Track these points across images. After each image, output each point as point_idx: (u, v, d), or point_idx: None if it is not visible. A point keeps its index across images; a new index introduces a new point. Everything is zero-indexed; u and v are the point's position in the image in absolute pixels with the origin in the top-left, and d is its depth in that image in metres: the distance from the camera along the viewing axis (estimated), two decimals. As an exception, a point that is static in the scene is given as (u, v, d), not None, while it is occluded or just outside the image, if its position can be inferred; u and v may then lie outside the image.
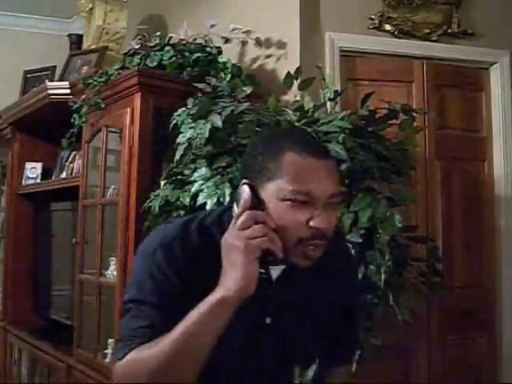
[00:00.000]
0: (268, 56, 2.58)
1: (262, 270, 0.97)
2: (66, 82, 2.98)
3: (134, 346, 0.98)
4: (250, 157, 1.09)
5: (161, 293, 1.02)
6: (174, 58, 2.40)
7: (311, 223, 1.00)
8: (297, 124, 1.97)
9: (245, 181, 1.03)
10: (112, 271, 2.51)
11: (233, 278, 0.94)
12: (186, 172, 2.05)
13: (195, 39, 2.56)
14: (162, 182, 2.15)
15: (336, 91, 2.14)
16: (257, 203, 1.00)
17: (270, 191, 1.01)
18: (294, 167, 1.01)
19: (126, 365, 0.99)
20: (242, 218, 0.97)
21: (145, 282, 1.04)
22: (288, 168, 1.01)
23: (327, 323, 1.22)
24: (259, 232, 0.96)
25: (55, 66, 3.69)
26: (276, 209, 1.00)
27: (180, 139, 2.03)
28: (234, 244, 0.95)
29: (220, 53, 2.52)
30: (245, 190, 1.00)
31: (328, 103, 2.11)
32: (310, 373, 1.20)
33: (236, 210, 1.04)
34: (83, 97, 2.62)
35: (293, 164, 1.01)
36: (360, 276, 1.74)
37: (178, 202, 1.98)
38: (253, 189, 1.01)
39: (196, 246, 1.06)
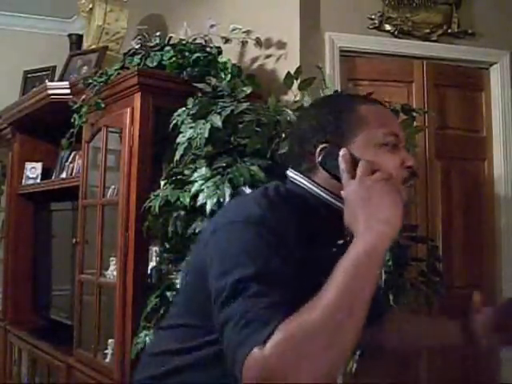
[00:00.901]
0: (268, 56, 2.58)
1: None
2: (66, 82, 2.98)
3: (274, 325, 0.78)
4: (312, 124, 1.07)
5: (283, 261, 0.90)
6: (174, 58, 2.40)
7: (407, 163, 1.03)
8: (297, 124, 1.97)
9: (323, 145, 1.02)
10: (112, 271, 2.51)
11: (382, 220, 0.89)
12: (186, 172, 2.05)
13: (195, 39, 2.56)
14: (162, 182, 2.15)
15: (336, 91, 2.15)
16: (354, 161, 0.98)
17: (361, 143, 1.02)
18: (375, 114, 1.05)
19: (283, 342, 0.77)
20: (361, 167, 0.95)
21: (261, 252, 0.89)
22: (370, 116, 1.04)
23: None
24: (385, 175, 0.95)
25: (55, 66, 3.69)
26: (374, 158, 1.00)
27: (180, 139, 2.03)
28: (374, 187, 0.92)
29: (220, 53, 2.52)
30: (342, 152, 0.98)
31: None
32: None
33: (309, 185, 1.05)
34: (83, 97, 2.62)
35: (372, 112, 1.05)
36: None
37: (178, 202, 1.98)
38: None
39: (293, 208, 1.00)
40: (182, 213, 1.98)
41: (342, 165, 0.97)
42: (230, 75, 2.37)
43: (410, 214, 2.49)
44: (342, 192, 0.96)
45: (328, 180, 1.03)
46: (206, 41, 2.56)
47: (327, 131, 1.04)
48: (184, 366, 1.02)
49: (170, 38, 2.58)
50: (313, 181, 1.06)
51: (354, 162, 0.96)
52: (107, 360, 2.47)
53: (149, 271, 2.25)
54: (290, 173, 1.10)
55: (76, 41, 3.83)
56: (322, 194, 1.05)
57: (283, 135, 1.97)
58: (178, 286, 1.94)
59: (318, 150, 1.03)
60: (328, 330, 0.78)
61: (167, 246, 2.15)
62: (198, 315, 1.01)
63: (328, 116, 1.05)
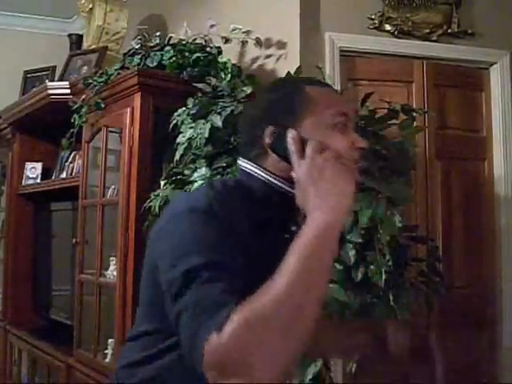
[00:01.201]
0: (268, 56, 2.58)
1: None
2: (66, 82, 2.98)
3: (229, 309, 0.77)
4: (260, 108, 1.06)
5: (231, 249, 0.88)
6: (174, 58, 2.40)
7: (358, 144, 1.02)
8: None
9: (272, 129, 1.00)
10: (112, 271, 2.51)
11: (333, 200, 0.87)
12: (186, 172, 2.05)
13: (195, 39, 2.56)
14: (162, 182, 2.15)
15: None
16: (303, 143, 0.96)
17: (310, 125, 1.00)
18: (322, 95, 1.04)
19: (239, 326, 0.75)
20: (310, 147, 0.92)
21: (209, 240, 0.88)
22: (317, 97, 1.02)
23: None
24: (335, 153, 0.92)
25: (55, 66, 3.69)
26: (324, 139, 0.97)
27: (180, 139, 2.03)
28: (325, 164, 0.90)
29: (220, 53, 2.52)
30: (291, 133, 0.96)
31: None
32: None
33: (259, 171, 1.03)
34: (83, 97, 2.62)
35: (319, 93, 1.04)
36: (360, 276, 1.74)
37: (178, 202, 1.98)
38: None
39: (241, 196, 0.99)
40: (182, 213, 1.98)
41: (292, 146, 0.95)
42: (230, 75, 2.37)
43: (410, 214, 2.49)
44: (292, 173, 0.94)
45: (277, 165, 1.01)
46: (205, 41, 2.57)
47: (275, 115, 1.02)
48: (147, 379, 0.99)
49: (170, 37, 2.58)
50: (263, 167, 1.04)
51: (303, 144, 0.94)
52: (107, 360, 2.47)
53: (149, 271, 2.24)
54: (239, 161, 1.09)
55: (76, 41, 3.83)
56: (270, 179, 1.03)
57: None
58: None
59: (267, 133, 1.01)
60: (283, 313, 0.76)
61: (167, 246, 2.15)
62: (155, 317, 0.98)
63: (275, 99, 1.04)
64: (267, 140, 1.01)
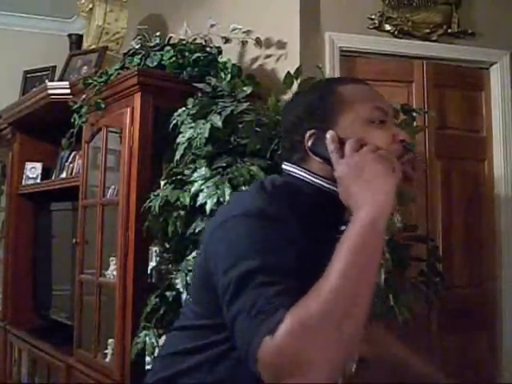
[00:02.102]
0: (268, 56, 2.58)
1: None
2: (66, 82, 2.98)
3: (283, 312, 0.77)
4: (298, 113, 1.07)
5: (285, 250, 0.89)
6: (174, 58, 2.40)
7: (399, 137, 1.01)
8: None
9: (311, 132, 1.01)
10: (112, 271, 2.51)
11: (377, 191, 0.88)
12: (186, 172, 2.05)
13: (195, 39, 2.56)
14: (162, 182, 2.15)
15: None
16: (342, 143, 0.97)
17: (346, 123, 1.01)
18: (356, 92, 1.05)
19: (293, 328, 0.76)
20: (347, 145, 0.94)
21: (263, 243, 0.89)
22: (351, 95, 1.03)
23: None
24: (373, 147, 0.93)
25: (55, 66, 3.69)
26: (363, 136, 0.98)
27: (180, 139, 2.03)
28: (364, 161, 0.91)
29: (220, 53, 2.52)
30: (329, 134, 0.97)
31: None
32: None
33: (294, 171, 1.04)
34: (83, 97, 2.62)
35: (353, 90, 1.05)
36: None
37: (178, 202, 1.98)
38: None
39: (291, 198, 0.99)
40: (182, 213, 1.98)
41: (331, 146, 0.97)
42: (230, 75, 2.37)
43: (410, 214, 2.49)
44: (334, 173, 0.96)
45: (321, 166, 1.02)
46: (205, 41, 2.56)
47: (312, 118, 1.04)
48: (194, 365, 1.01)
49: (170, 37, 2.58)
50: (307, 169, 1.05)
51: (342, 143, 0.96)
52: (107, 360, 2.47)
53: (149, 271, 2.25)
54: (284, 166, 1.10)
55: (76, 41, 3.83)
56: (317, 180, 1.04)
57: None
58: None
59: (307, 137, 1.03)
60: (336, 310, 0.77)
61: (167, 246, 2.15)
62: (206, 315, 1.01)
63: (311, 102, 1.06)
64: (307, 144, 1.03)
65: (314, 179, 1.04)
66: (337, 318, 0.77)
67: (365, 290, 0.81)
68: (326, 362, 0.76)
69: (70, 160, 3.24)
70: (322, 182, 1.04)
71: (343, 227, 0.98)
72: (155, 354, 1.98)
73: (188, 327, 1.07)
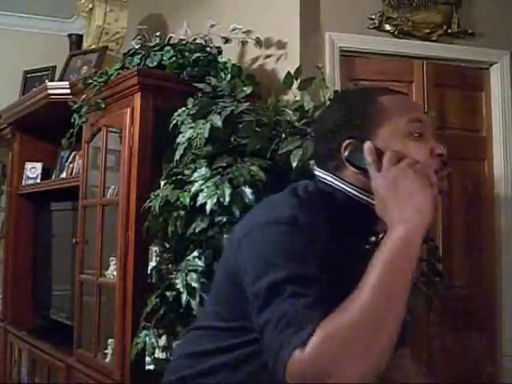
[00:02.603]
0: (268, 56, 2.58)
1: None
2: (66, 82, 2.99)
3: (313, 325, 0.78)
4: (335, 121, 1.05)
5: (316, 261, 0.88)
6: (174, 58, 2.40)
7: (437, 151, 1.01)
8: (297, 124, 1.97)
9: (349, 141, 1.00)
10: (112, 271, 2.51)
11: (413, 208, 0.87)
12: (186, 172, 2.04)
13: (195, 39, 2.56)
14: (162, 182, 2.15)
15: (336, 91, 2.14)
16: (380, 154, 0.96)
17: (385, 135, 1.00)
18: (396, 103, 1.04)
19: (323, 342, 0.76)
20: (386, 158, 0.93)
21: (295, 253, 0.89)
22: (391, 106, 1.02)
23: None
24: (412, 161, 0.92)
25: (55, 66, 3.69)
26: (401, 148, 0.97)
27: (180, 139, 2.03)
28: (401, 175, 0.90)
29: (220, 53, 2.52)
30: (367, 145, 0.96)
31: (328, 103, 2.10)
32: None
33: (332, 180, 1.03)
34: (83, 97, 2.62)
35: (393, 101, 1.04)
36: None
37: (178, 202, 1.98)
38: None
39: (323, 206, 0.99)
40: (182, 213, 1.98)
41: (368, 158, 0.95)
42: (229, 75, 2.37)
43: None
44: (371, 184, 0.95)
45: (356, 176, 1.01)
46: (205, 41, 2.56)
47: (350, 127, 1.03)
48: (217, 366, 1.01)
49: (170, 38, 2.58)
50: (341, 178, 1.04)
51: (380, 155, 0.95)
52: (107, 360, 2.47)
53: (149, 271, 2.25)
54: (318, 172, 1.09)
55: (76, 41, 3.83)
56: (351, 190, 1.02)
57: (283, 135, 1.97)
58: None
59: (344, 146, 1.02)
60: (367, 327, 0.78)
61: (167, 245, 2.15)
62: (230, 317, 1.00)
63: (350, 111, 1.04)
64: (344, 153, 1.02)
65: (348, 188, 1.03)
66: (367, 334, 0.78)
67: (396, 307, 0.82)
68: (355, 376, 0.76)
69: (70, 160, 3.24)
70: (356, 192, 1.02)
71: (373, 238, 0.99)
72: (155, 354, 1.98)
73: (209, 328, 1.06)
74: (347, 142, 1.01)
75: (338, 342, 0.77)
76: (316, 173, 1.09)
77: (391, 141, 0.99)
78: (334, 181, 1.05)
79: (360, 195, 1.02)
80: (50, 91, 2.99)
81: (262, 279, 0.87)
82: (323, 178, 1.06)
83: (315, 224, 0.93)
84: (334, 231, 0.95)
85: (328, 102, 1.17)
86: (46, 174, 3.50)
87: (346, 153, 1.01)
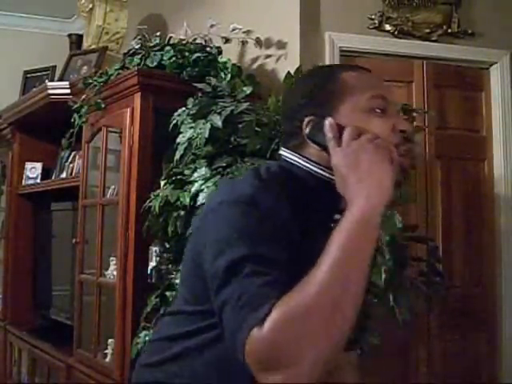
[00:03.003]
0: (268, 56, 2.58)
1: None
2: (66, 82, 2.99)
3: (271, 304, 0.77)
4: (297, 99, 1.05)
5: (276, 241, 0.87)
6: (174, 58, 2.40)
7: (399, 127, 1.00)
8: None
9: (310, 118, 1.00)
10: (112, 271, 2.51)
11: (373, 184, 0.86)
12: (186, 172, 2.05)
13: (195, 39, 2.56)
14: (162, 182, 2.15)
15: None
16: (340, 130, 0.94)
17: (346, 111, 0.99)
18: (358, 79, 1.03)
19: (280, 321, 0.75)
20: (346, 132, 0.91)
21: (253, 232, 0.87)
22: (353, 82, 1.02)
23: None
24: (371, 136, 0.90)
25: (55, 66, 3.69)
26: (362, 124, 0.96)
27: (180, 139, 2.03)
28: (361, 150, 0.88)
29: (220, 53, 2.52)
30: (327, 121, 0.95)
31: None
32: None
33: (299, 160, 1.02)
34: (83, 97, 2.62)
35: (355, 78, 1.03)
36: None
37: (178, 202, 1.98)
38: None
39: (286, 186, 0.97)
40: (182, 213, 1.98)
41: (328, 134, 0.94)
42: (229, 75, 2.37)
43: (410, 214, 2.49)
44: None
45: (319, 153, 1.00)
46: (205, 41, 2.56)
47: (312, 104, 1.02)
48: (185, 350, 1.01)
49: (170, 37, 2.58)
50: (303, 156, 1.03)
51: (341, 131, 0.93)
52: (107, 360, 2.47)
53: (149, 271, 2.25)
54: (282, 151, 1.08)
55: (76, 41, 3.83)
56: (313, 168, 1.02)
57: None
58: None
59: (305, 123, 1.01)
60: (325, 304, 0.77)
61: (167, 245, 2.15)
62: (196, 301, 1.00)
63: (312, 88, 1.04)
64: (305, 130, 1.01)
65: (310, 166, 1.02)
66: (325, 313, 0.76)
67: (354, 287, 0.80)
68: (312, 356, 0.75)
69: (70, 160, 3.24)
70: (318, 170, 1.02)
71: (338, 216, 0.96)
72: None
73: (178, 312, 1.07)
74: (308, 118, 1.01)
75: (295, 321, 0.75)
76: (280, 152, 1.09)
77: (352, 116, 0.98)
78: (296, 159, 1.04)
79: (323, 172, 1.01)
80: (50, 91, 2.99)
81: (219, 259, 0.86)
82: (286, 157, 1.06)
83: (276, 204, 0.91)
84: (297, 210, 0.93)
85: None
86: (46, 174, 3.50)
87: (307, 130, 1.00)
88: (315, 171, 1.02)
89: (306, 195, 1.00)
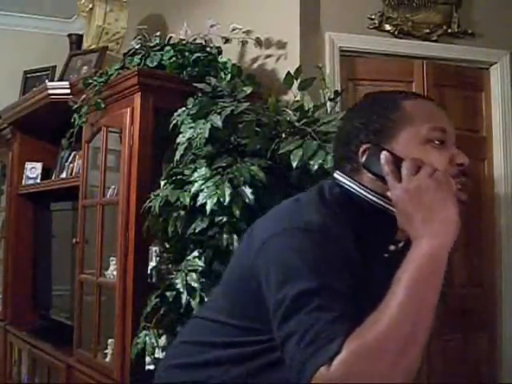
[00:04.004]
0: (268, 56, 2.58)
1: None
2: (66, 82, 2.98)
3: (340, 342, 0.76)
4: (355, 124, 1.03)
5: (345, 274, 0.86)
6: (174, 58, 2.40)
7: (456, 160, 0.99)
8: (296, 124, 1.97)
9: (366, 146, 0.98)
10: (112, 271, 2.51)
11: (439, 221, 0.84)
12: (186, 172, 2.04)
13: (195, 39, 2.56)
14: (162, 182, 2.15)
15: (336, 91, 2.15)
16: (398, 162, 0.92)
17: (404, 141, 0.97)
18: (419, 109, 1.01)
19: (350, 360, 0.75)
20: (405, 167, 0.89)
21: (323, 263, 0.86)
22: (415, 111, 1.00)
23: None
24: (431, 169, 0.89)
25: (55, 66, 3.69)
26: (419, 156, 0.94)
27: (180, 139, 2.03)
28: (422, 186, 0.86)
29: (220, 53, 2.52)
30: (383, 155, 0.94)
31: (328, 103, 2.11)
32: None
33: (356, 187, 1.00)
34: (83, 97, 2.62)
35: (417, 107, 1.01)
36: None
37: (178, 202, 1.98)
38: (387, 150, 0.95)
39: (349, 215, 0.96)
40: (182, 213, 1.98)
41: (385, 167, 0.93)
42: (229, 75, 2.37)
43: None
44: (388, 194, 0.92)
45: (373, 181, 0.98)
46: (205, 41, 2.56)
47: (370, 130, 1.00)
48: (220, 358, 1.01)
49: (170, 37, 2.58)
50: (358, 182, 1.01)
51: (398, 162, 0.92)
52: (107, 360, 2.47)
53: (149, 271, 2.25)
54: (337, 175, 1.06)
55: (76, 41, 3.83)
56: (370, 196, 1.00)
57: (283, 135, 1.97)
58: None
59: (361, 150, 1.00)
60: (395, 343, 0.76)
61: (167, 245, 2.15)
62: (238, 316, 0.99)
63: (371, 115, 1.02)
64: (361, 158, 0.99)
65: (367, 195, 1.00)
66: (394, 353, 0.76)
67: (421, 325, 0.79)
68: None
69: (70, 160, 3.24)
70: (375, 199, 0.99)
71: (393, 247, 0.96)
72: (155, 354, 1.98)
73: (215, 321, 1.06)
74: (365, 146, 0.99)
75: (365, 361, 0.75)
76: (335, 175, 1.07)
77: (410, 147, 0.97)
78: (353, 185, 1.02)
79: (378, 201, 0.99)
80: (50, 91, 2.99)
81: (286, 287, 0.84)
82: (343, 182, 1.04)
83: (342, 232, 0.91)
84: (356, 240, 0.93)
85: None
86: (46, 174, 3.50)
87: (364, 158, 0.99)
88: (372, 200, 1.00)
89: (363, 224, 0.97)
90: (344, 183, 1.03)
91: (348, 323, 0.78)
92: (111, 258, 2.53)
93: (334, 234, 0.89)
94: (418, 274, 0.81)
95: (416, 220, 0.86)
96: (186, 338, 1.16)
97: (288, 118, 2.00)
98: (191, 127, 2.00)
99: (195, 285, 1.90)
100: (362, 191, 1.00)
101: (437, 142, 0.98)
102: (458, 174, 0.99)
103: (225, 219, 1.88)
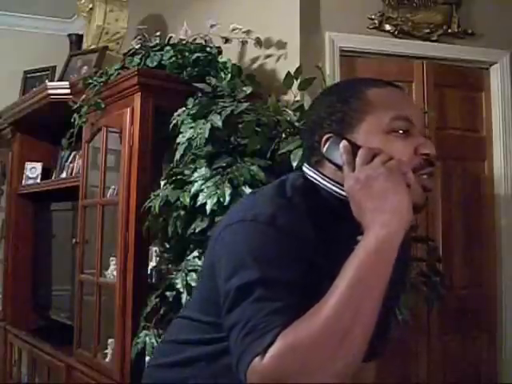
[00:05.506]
0: (268, 56, 2.58)
1: None
2: (66, 82, 2.99)
3: (276, 333, 0.75)
4: (319, 113, 1.00)
5: (292, 264, 0.84)
6: (173, 58, 2.40)
7: (421, 150, 0.94)
8: (297, 124, 1.98)
9: (328, 136, 0.95)
10: (112, 271, 2.51)
11: (388, 210, 0.82)
12: (186, 172, 2.05)
13: (195, 39, 2.56)
14: (162, 182, 2.15)
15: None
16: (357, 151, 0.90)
17: (366, 131, 0.94)
18: (383, 97, 0.97)
19: (283, 352, 0.74)
20: (359, 155, 0.88)
21: (269, 254, 0.85)
22: (378, 100, 0.96)
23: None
24: (384, 158, 0.87)
25: (55, 66, 3.69)
26: (382, 145, 0.92)
27: (180, 139, 2.03)
28: (373, 175, 0.85)
29: (220, 53, 2.52)
30: (342, 144, 0.92)
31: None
32: None
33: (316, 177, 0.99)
34: (83, 97, 2.62)
35: (381, 95, 0.97)
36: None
37: (178, 202, 1.98)
38: (347, 140, 0.92)
39: (309, 205, 0.93)
40: (182, 213, 1.98)
41: (343, 157, 0.90)
42: (229, 75, 2.37)
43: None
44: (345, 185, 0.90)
45: (336, 172, 0.96)
46: (206, 41, 2.56)
47: (333, 120, 0.97)
48: (194, 357, 1.02)
49: (170, 37, 2.58)
50: (323, 174, 0.99)
51: (357, 153, 0.90)
52: (107, 360, 2.47)
53: (149, 271, 2.25)
54: (304, 168, 1.04)
55: (76, 41, 3.83)
56: (332, 187, 0.97)
57: (283, 135, 1.97)
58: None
59: (323, 140, 0.97)
60: (331, 337, 0.74)
61: (167, 245, 2.15)
62: (209, 312, 0.99)
63: (335, 104, 0.98)
64: (323, 148, 0.97)
65: (331, 186, 0.98)
66: (330, 346, 0.74)
67: (365, 318, 0.77)
68: None
69: (70, 160, 3.24)
70: (336, 189, 0.97)
71: (360, 237, 0.93)
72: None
73: (191, 319, 1.06)
74: (326, 136, 0.96)
75: (297, 353, 0.74)
76: (303, 168, 1.05)
77: (372, 137, 0.94)
78: (317, 177, 1.00)
79: (340, 191, 0.96)
80: (50, 91, 2.99)
81: (231, 279, 0.85)
82: (308, 175, 1.02)
83: (298, 224, 0.89)
84: (321, 230, 0.91)
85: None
86: (45, 174, 3.50)
87: (325, 148, 0.96)
88: (334, 190, 0.98)
89: (329, 215, 0.96)
90: (308, 175, 1.02)
91: (290, 314, 0.77)
92: (111, 258, 2.53)
93: (286, 226, 0.87)
94: (361, 266, 0.79)
95: (366, 210, 0.84)
96: (167, 337, 1.17)
97: (288, 118, 2.00)
98: (191, 127, 2.01)
99: (195, 285, 1.90)
100: (326, 182, 0.99)
101: (401, 132, 0.94)
102: (423, 163, 0.94)
103: (225, 219, 1.88)
